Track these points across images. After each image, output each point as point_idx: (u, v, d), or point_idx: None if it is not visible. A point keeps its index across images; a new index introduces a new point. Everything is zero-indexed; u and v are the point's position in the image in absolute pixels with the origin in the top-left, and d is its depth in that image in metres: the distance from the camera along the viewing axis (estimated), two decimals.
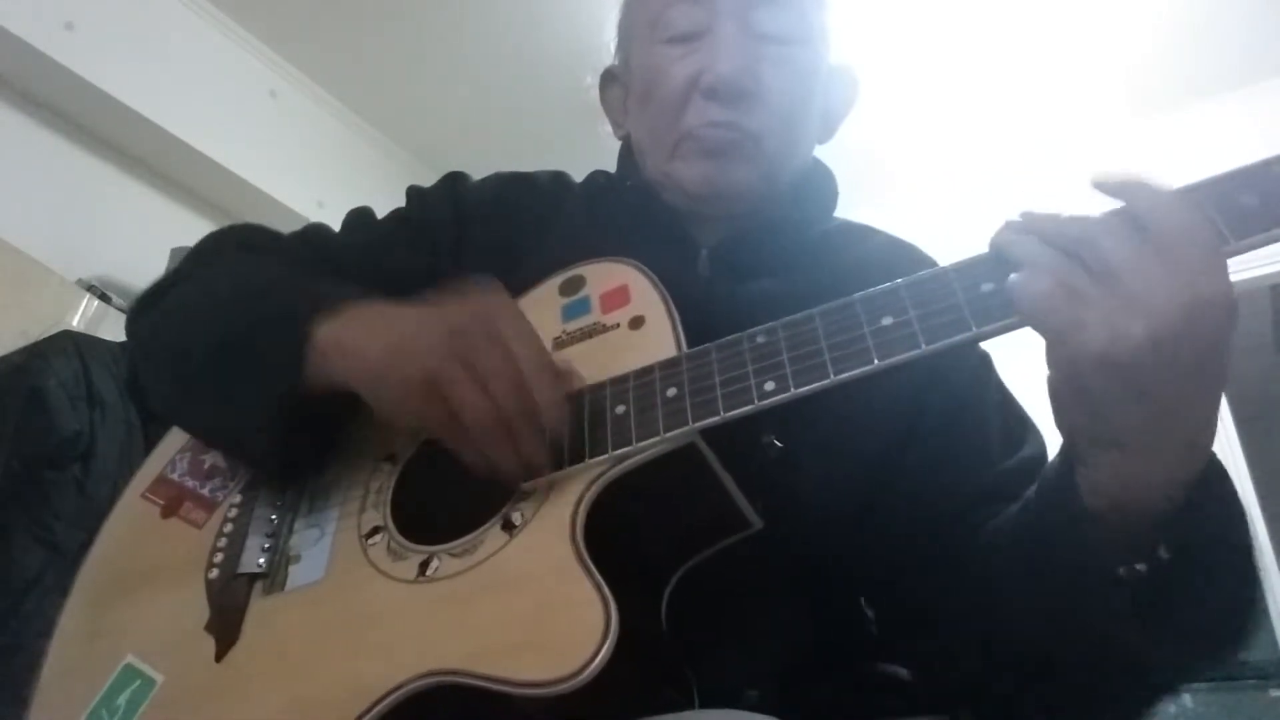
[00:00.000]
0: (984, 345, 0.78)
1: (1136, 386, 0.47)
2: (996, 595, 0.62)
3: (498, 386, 0.58)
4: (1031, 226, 0.52)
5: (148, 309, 0.82)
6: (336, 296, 0.66)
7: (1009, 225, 0.53)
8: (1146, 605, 0.52)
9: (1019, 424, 0.77)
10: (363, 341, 0.63)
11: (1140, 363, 0.46)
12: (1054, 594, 0.55)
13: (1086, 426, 0.51)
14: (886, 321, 0.56)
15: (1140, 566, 0.52)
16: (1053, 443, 0.65)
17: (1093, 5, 2.86)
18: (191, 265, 0.85)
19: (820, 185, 0.89)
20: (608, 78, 0.94)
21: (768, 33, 0.81)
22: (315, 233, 0.90)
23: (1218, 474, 0.53)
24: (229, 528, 0.71)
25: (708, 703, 0.61)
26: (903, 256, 0.85)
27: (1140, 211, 0.48)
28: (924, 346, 0.54)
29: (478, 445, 0.59)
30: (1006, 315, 0.52)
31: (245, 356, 0.67)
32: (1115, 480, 0.51)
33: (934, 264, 0.80)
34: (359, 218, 0.91)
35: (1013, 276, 0.51)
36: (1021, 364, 0.71)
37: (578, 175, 0.96)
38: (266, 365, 0.65)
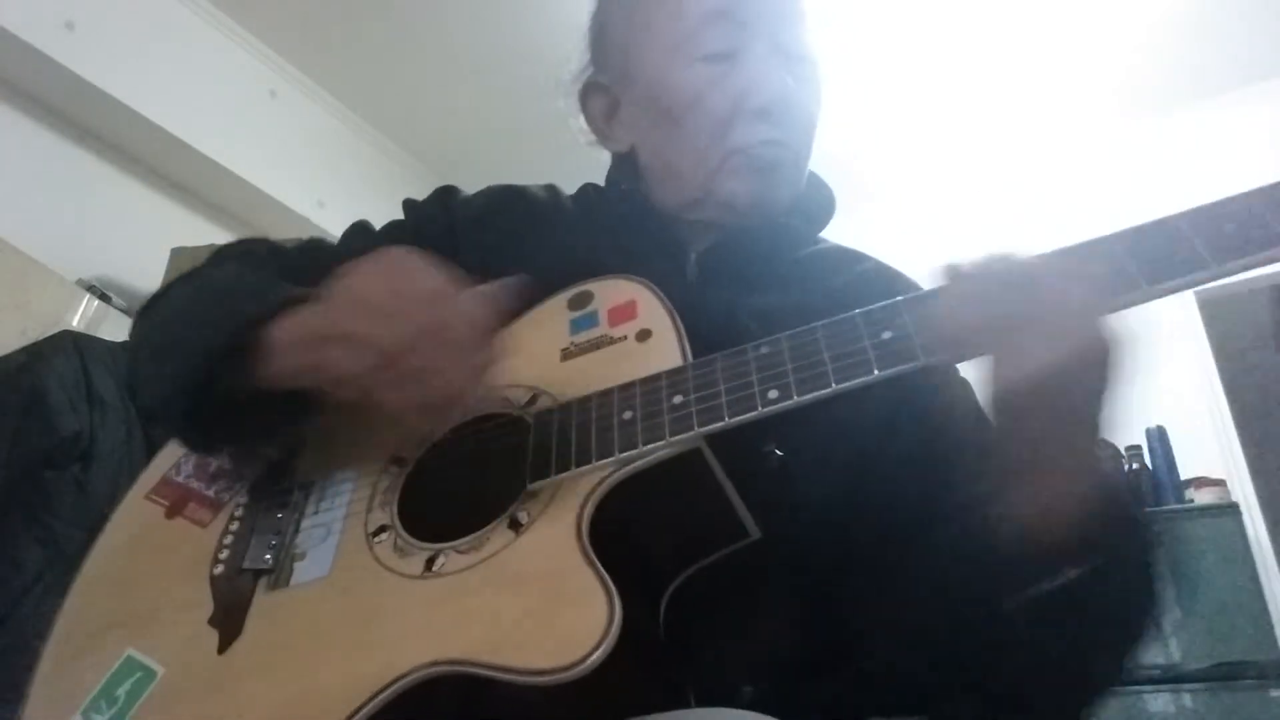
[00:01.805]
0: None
1: (1047, 408, 0.53)
2: (940, 603, 0.65)
3: (395, 311, 0.58)
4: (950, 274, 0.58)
5: (144, 315, 0.84)
6: (294, 294, 0.67)
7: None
8: (1050, 619, 0.58)
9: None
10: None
11: (1061, 385, 0.52)
12: (965, 604, 0.61)
13: (1013, 450, 0.57)
14: (886, 335, 0.58)
15: (1046, 586, 0.58)
16: None
17: (1085, 5, 2.86)
18: (187, 276, 0.86)
19: (816, 198, 0.91)
20: (592, 90, 0.93)
21: (794, 52, 0.84)
22: (314, 245, 0.91)
23: (1116, 501, 0.58)
24: (235, 526, 0.72)
25: (703, 700, 0.62)
26: (892, 282, 0.87)
27: (1025, 274, 0.54)
28: (922, 359, 0.56)
29: (384, 377, 0.59)
30: None
31: (194, 341, 0.69)
32: (1030, 500, 0.57)
33: (921, 289, 0.83)
34: (358, 231, 0.91)
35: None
36: None
37: (576, 174, 0.97)
38: (207, 343, 0.67)
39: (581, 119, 0.95)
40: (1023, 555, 0.57)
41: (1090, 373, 0.53)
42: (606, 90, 0.92)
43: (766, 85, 0.80)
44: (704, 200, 0.84)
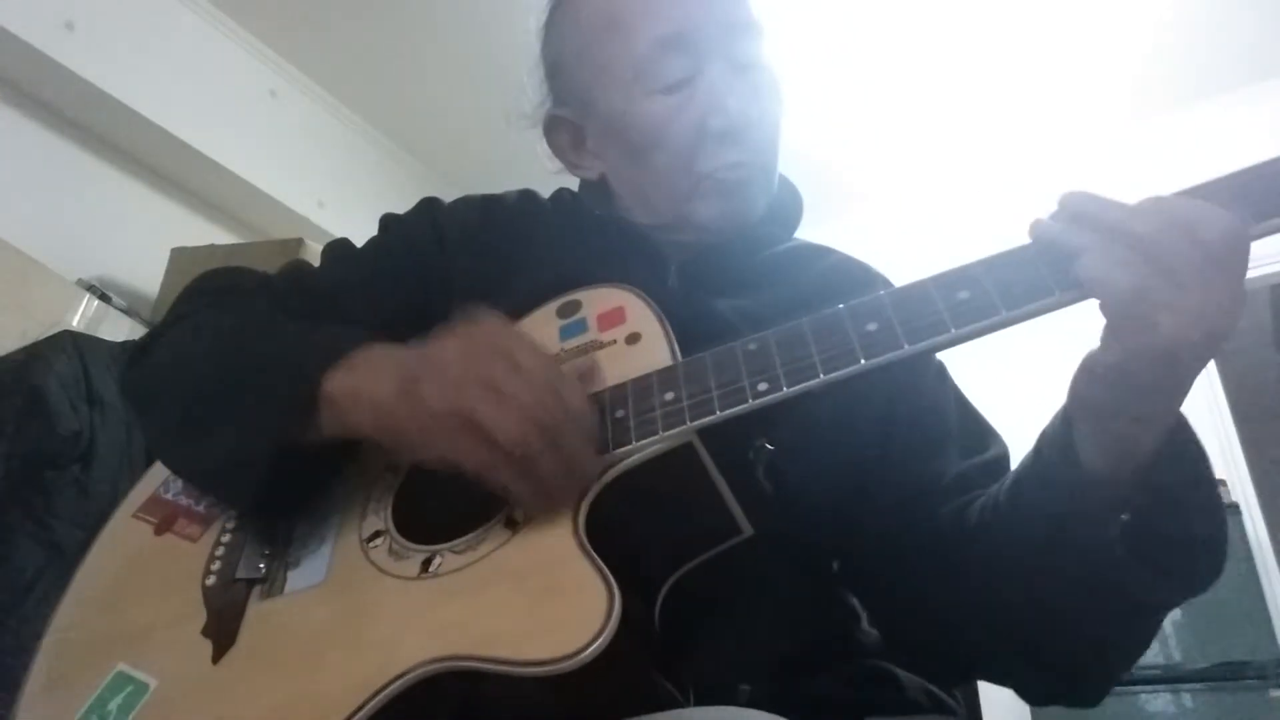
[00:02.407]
0: (947, 356, 0.83)
1: (1179, 377, 0.54)
2: (994, 566, 0.66)
3: (526, 399, 0.56)
4: (1084, 215, 0.55)
5: (141, 359, 0.82)
6: (345, 345, 0.65)
7: (1056, 215, 0.57)
8: (1137, 547, 0.58)
9: (980, 429, 0.83)
10: (374, 387, 0.62)
11: (1192, 360, 0.53)
12: (1060, 545, 0.61)
13: (1121, 403, 0.56)
14: (871, 327, 0.59)
15: (1126, 516, 0.59)
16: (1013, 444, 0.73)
17: (1088, 5, 2.85)
18: (180, 311, 0.84)
19: (787, 201, 0.92)
20: (555, 123, 0.93)
21: (748, 62, 0.85)
22: (298, 271, 0.90)
23: (1182, 426, 0.59)
24: (227, 538, 0.71)
25: (701, 699, 0.62)
26: (857, 273, 0.90)
27: (1197, 222, 0.52)
28: (906, 347, 0.57)
29: (519, 465, 0.57)
30: (981, 318, 0.56)
31: (251, 402, 0.67)
32: (1117, 443, 0.57)
33: (885, 280, 0.88)
34: (339, 251, 0.91)
35: (1087, 267, 0.53)
36: (981, 372, 0.77)
37: (569, 177, 0.97)
38: (272, 413, 0.65)
39: (548, 149, 0.95)
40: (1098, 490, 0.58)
41: (1208, 351, 0.53)
42: (570, 123, 0.92)
43: (725, 107, 0.81)
44: (679, 224, 0.86)
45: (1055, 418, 0.62)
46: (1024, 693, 0.73)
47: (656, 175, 0.85)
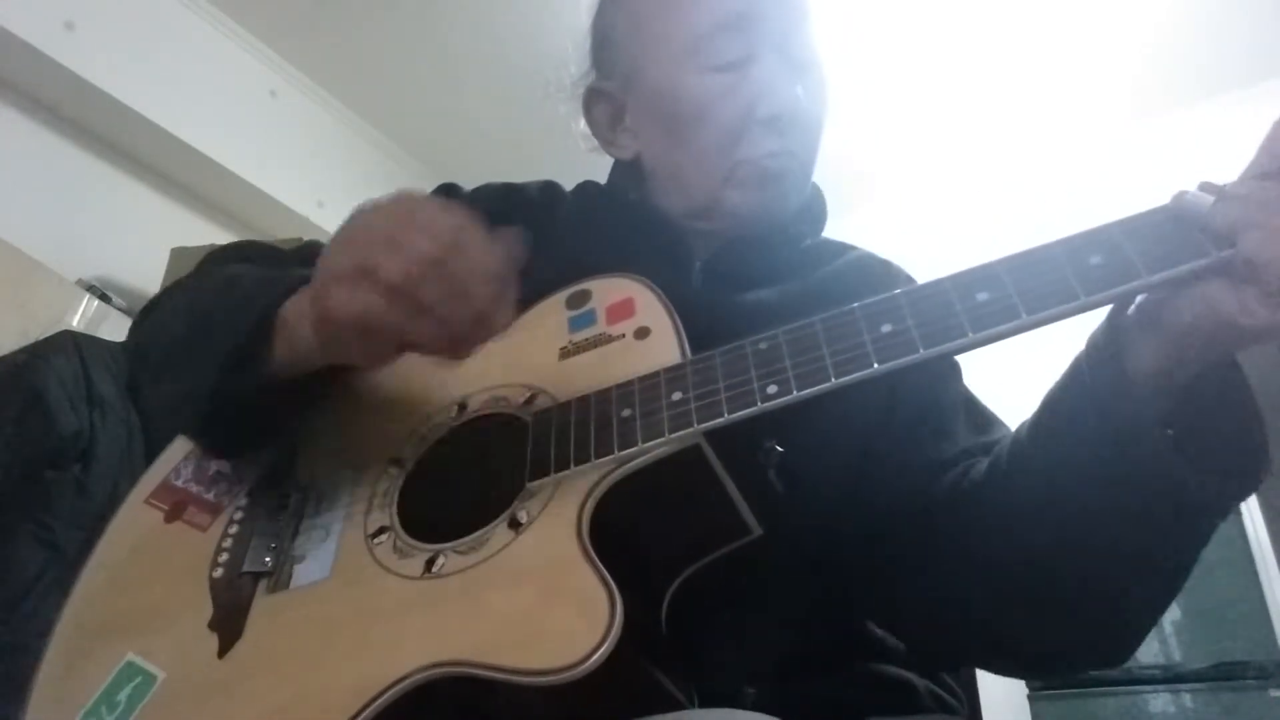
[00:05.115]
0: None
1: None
2: (1008, 515, 0.64)
3: (417, 240, 0.55)
4: (1239, 193, 0.52)
5: (144, 316, 0.83)
6: (302, 276, 0.65)
7: (1220, 194, 0.53)
8: (1191, 451, 0.57)
9: (986, 418, 0.81)
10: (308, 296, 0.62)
11: None
12: (1108, 459, 0.58)
13: (1192, 353, 0.55)
14: (886, 329, 0.57)
15: (1171, 431, 0.57)
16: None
17: (1088, 5, 2.86)
18: (187, 278, 0.85)
19: (815, 201, 0.92)
20: (595, 96, 0.93)
21: (800, 59, 0.84)
22: (311, 250, 0.89)
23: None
24: (234, 529, 0.72)
25: (706, 701, 0.62)
26: (877, 270, 0.89)
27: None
28: (922, 351, 0.56)
29: (409, 301, 0.55)
30: (1000, 323, 0.54)
31: (218, 335, 0.67)
32: (1165, 372, 0.56)
33: (908, 277, 0.86)
34: None
35: (1247, 243, 0.51)
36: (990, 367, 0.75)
37: (575, 175, 0.97)
38: (231, 343, 0.65)
39: (584, 125, 0.95)
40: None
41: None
42: (611, 97, 0.91)
43: (776, 95, 0.80)
44: (711, 209, 0.84)
45: (1097, 336, 0.60)
46: (1035, 663, 0.70)
47: (695, 154, 0.84)
